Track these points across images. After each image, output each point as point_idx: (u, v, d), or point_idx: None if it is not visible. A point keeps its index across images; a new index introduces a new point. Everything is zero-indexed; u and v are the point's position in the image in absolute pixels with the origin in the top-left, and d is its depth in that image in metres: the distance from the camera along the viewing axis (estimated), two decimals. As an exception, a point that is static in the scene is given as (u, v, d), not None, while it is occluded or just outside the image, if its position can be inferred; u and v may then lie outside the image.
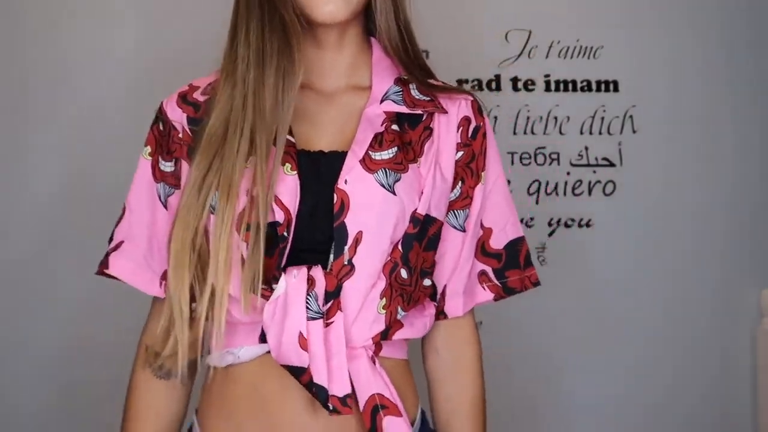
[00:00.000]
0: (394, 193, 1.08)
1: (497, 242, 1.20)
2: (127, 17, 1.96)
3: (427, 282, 1.15)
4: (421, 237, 1.12)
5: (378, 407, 1.06)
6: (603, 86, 2.08)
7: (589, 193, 2.07)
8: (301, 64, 1.08)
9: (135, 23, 1.95)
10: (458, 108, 1.16)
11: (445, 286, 1.18)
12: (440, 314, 1.18)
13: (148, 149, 1.17)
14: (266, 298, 1.05)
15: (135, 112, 1.78)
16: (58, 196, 1.92)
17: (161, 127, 1.15)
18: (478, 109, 1.18)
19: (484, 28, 2.06)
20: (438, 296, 1.18)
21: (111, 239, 1.18)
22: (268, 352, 1.06)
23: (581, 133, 2.07)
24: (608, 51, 2.08)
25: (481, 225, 1.19)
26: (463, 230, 1.17)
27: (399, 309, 1.10)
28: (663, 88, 2.09)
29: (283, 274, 1.05)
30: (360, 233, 1.06)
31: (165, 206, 1.15)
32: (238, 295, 1.05)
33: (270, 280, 1.05)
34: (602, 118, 2.08)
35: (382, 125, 1.11)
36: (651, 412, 2.08)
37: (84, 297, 1.87)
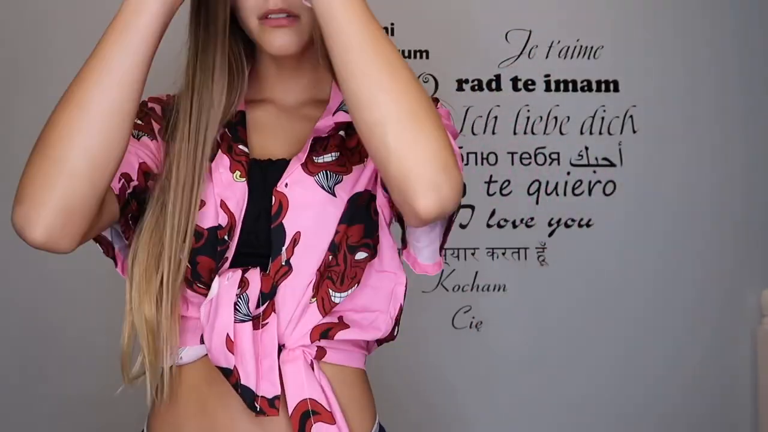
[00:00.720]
0: (334, 195, 1.08)
1: None
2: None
3: (360, 255, 1.09)
4: (351, 218, 1.08)
5: (309, 413, 1.04)
6: (603, 86, 2.09)
7: (589, 193, 2.07)
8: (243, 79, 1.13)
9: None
10: None
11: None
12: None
13: None
14: (205, 296, 1.06)
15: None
16: None
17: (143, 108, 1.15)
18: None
19: (484, 28, 2.06)
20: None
21: None
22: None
23: (581, 133, 2.07)
24: (608, 51, 2.08)
25: None
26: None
27: (331, 292, 1.07)
28: (663, 88, 2.09)
29: (217, 277, 1.05)
30: (298, 234, 1.06)
31: (137, 138, 1.11)
32: (185, 292, 1.08)
33: (208, 282, 1.06)
34: (602, 118, 2.08)
35: (327, 132, 1.12)
36: (651, 411, 2.08)
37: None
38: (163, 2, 0.95)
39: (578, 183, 2.07)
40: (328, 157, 1.10)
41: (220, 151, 1.11)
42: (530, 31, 2.06)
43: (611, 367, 2.08)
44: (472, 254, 2.05)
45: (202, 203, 1.07)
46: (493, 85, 2.06)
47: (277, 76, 1.18)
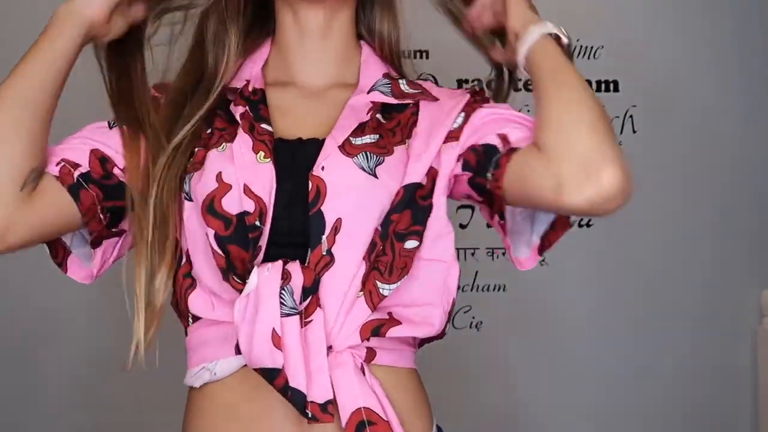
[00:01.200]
0: (376, 177, 0.99)
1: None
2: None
3: (410, 244, 1.00)
4: (401, 207, 1.00)
5: (365, 423, 0.94)
6: (603, 86, 2.08)
7: (589, 193, 2.07)
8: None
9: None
10: (454, 98, 1.08)
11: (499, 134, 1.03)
12: (511, 152, 1.01)
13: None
14: (239, 291, 0.96)
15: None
16: None
17: None
18: (475, 92, 1.12)
19: (484, 28, 2.06)
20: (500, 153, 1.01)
21: None
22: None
23: (581, 133, 2.07)
24: (608, 51, 2.08)
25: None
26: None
27: (379, 284, 0.97)
28: (663, 88, 2.09)
29: (255, 268, 0.96)
30: (339, 221, 0.97)
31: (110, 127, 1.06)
32: (214, 285, 0.99)
33: (244, 275, 0.97)
34: (602, 118, 2.08)
35: (367, 114, 1.04)
36: (651, 411, 2.08)
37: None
38: (80, 33, 0.98)
39: (578, 183, 2.07)
40: (367, 138, 1.02)
41: (240, 130, 1.02)
42: (530, 31, 2.05)
43: (611, 367, 2.07)
44: (472, 254, 2.05)
45: (227, 186, 0.98)
46: (493, 85, 2.06)
47: (300, 52, 1.09)
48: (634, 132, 2.08)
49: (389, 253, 0.99)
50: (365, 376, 0.97)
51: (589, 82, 2.08)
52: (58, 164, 0.99)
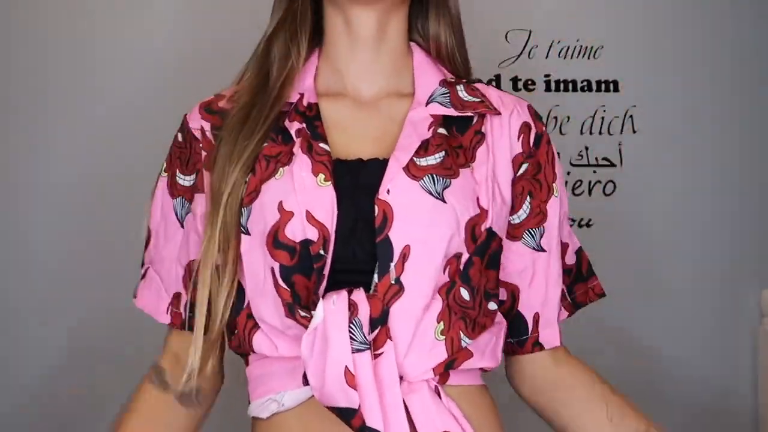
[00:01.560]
0: (444, 201, 0.95)
1: (570, 257, 1.12)
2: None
3: (492, 306, 1.00)
4: (483, 252, 0.98)
5: None
6: (603, 86, 2.08)
7: (589, 193, 2.07)
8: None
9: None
10: (513, 112, 1.06)
11: (537, 314, 1.07)
12: (535, 345, 1.07)
13: (164, 165, 1.09)
14: (306, 326, 0.92)
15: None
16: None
17: (180, 139, 1.07)
18: (535, 114, 1.09)
19: (484, 28, 2.06)
20: (530, 326, 1.07)
21: (142, 264, 1.11)
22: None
23: (581, 133, 2.07)
24: (608, 51, 2.08)
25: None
26: (543, 250, 1.07)
27: (462, 335, 0.95)
28: (663, 88, 2.09)
29: (321, 300, 0.91)
30: (407, 247, 0.93)
31: (182, 224, 1.06)
32: (277, 323, 0.95)
33: (309, 306, 0.93)
34: (602, 118, 2.08)
35: (428, 130, 1.00)
36: (650, 411, 2.07)
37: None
38: None
39: (578, 183, 2.07)
40: (431, 159, 0.97)
41: (299, 150, 0.97)
42: (530, 31, 2.05)
43: (610, 367, 2.07)
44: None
45: (289, 214, 0.94)
46: (493, 85, 2.06)
47: (352, 61, 1.05)
48: (634, 132, 2.08)
49: (476, 309, 0.97)
50: (441, 399, 0.95)
51: (589, 82, 2.09)
52: (167, 311, 1.05)
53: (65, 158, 1.89)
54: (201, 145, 1.04)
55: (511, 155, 1.04)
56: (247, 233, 0.96)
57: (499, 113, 1.05)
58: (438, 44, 1.10)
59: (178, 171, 1.07)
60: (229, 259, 0.96)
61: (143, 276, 1.09)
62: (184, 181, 1.06)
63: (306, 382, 0.93)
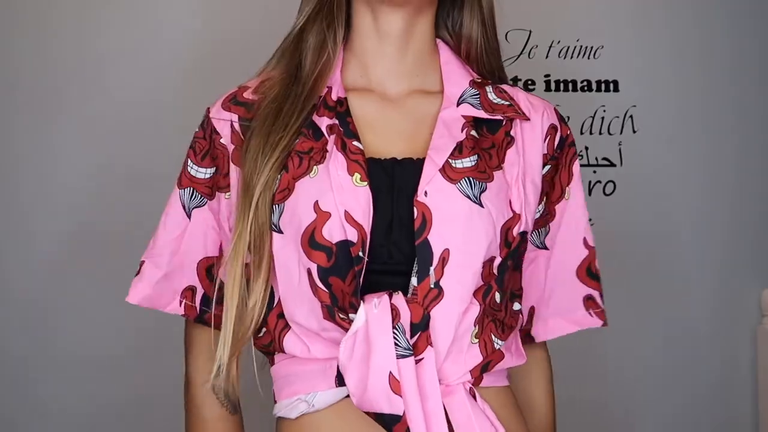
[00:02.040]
0: (482, 205, 0.94)
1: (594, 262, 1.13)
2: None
3: (516, 306, 1.03)
4: (514, 256, 0.99)
5: None
6: (603, 86, 2.08)
7: (589, 193, 2.07)
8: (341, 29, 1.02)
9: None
10: (543, 116, 1.06)
11: (532, 308, 1.09)
12: (526, 336, 1.09)
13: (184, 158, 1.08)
14: (344, 329, 0.91)
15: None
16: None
17: (199, 130, 1.05)
18: (560, 117, 1.09)
19: (484, 28, 2.06)
20: (524, 319, 1.08)
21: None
22: (347, 396, 0.92)
23: (581, 133, 2.07)
24: (608, 51, 2.08)
25: (585, 244, 1.13)
26: (545, 248, 1.09)
27: (494, 338, 0.96)
28: (663, 87, 2.09)
29: (362, 303, 0.90)
30: (446, 251, 0.92)
31: (189, 216, 1.04)
32: (312, 325, 0.94)
33: (346, 308, 0.92)
34: (602, 118, 2.08)
35: (462, 131, 0.99)
36: (650, 410, 2.08)
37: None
38: None
39: (578, 183, 2.07)
40: (467, 162, 0.97)
41: (334, 148, 0.96)
42: (530, 31, 2.05)
43: (610, 366, 2.07)
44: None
45: (326, 215, 0.92)
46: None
47: (379, 57, 1.03)
48: (634, 132, 2.08)
49: (503, 311, 0.98)
50: (477, 402, 0.95)
51: (589, 82, 2.09)
52: (180, 302, 1.03)
53: (71, 157, 1.89)
54: (226, 140, 1.02)
55: (541, 159, 1.05)
56: (279, 231, 0.95)
57: (528, 119, 1.05)
58: (469, 42, 1.08)
59: (190, 161, 1.05)
60: (264, 256, 0.94)
61: (138, 272, 1.06)
62: (197, 172, 1.04)
63: (338, 383, 0.92)
